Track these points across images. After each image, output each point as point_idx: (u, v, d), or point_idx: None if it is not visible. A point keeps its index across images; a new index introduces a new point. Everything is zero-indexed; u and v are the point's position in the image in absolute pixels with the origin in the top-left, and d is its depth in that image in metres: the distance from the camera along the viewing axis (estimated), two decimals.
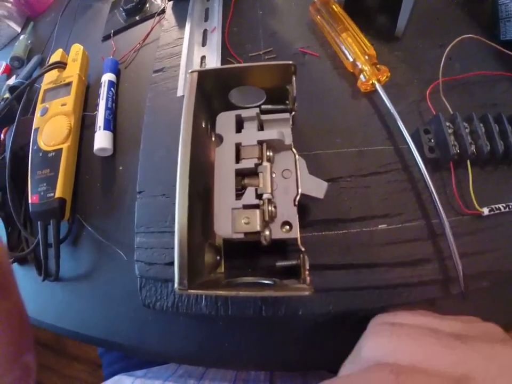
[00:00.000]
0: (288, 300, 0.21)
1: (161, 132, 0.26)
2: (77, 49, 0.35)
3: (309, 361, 0.22)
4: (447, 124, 0.23)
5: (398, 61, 0.26)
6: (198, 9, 0.32)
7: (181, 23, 0.31)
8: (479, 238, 0.21)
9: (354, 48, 0.24)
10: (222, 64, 0.26)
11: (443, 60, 0.23)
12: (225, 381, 0.26)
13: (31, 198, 0.29)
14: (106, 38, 0.38)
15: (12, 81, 0.43)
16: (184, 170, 0.16)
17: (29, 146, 0.31)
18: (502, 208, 0.22)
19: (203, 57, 0.28)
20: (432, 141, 0.23)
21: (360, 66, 0.23)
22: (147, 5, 0.38)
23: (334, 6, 0.26)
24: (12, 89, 0.37)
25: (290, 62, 0.18)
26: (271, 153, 0.17)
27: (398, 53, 0.27)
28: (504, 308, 0.21)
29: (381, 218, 0.22)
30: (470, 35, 0.25)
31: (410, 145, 0.22)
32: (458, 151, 0.22)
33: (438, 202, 0.21)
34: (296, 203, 0.17)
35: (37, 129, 0.31)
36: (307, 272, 0.16)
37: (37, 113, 0.32)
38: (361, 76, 0.23)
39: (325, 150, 0.23)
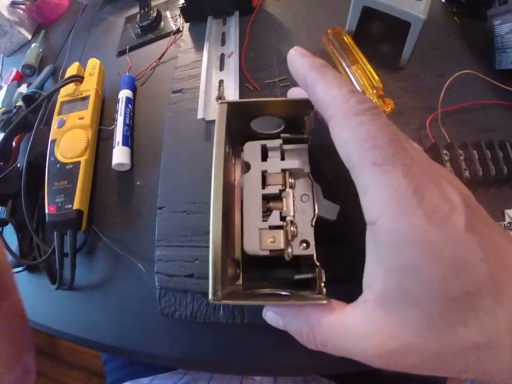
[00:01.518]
0: None
1: (181, 151, 0.28)
2: (93, 64, 0.36)
3: (312, 367, 0.24)
4: (444, 151, 0.25)
5: (401, 89, 0.29)
6: (215, 33, 0.34)
7: (198, 45, 0.33)
8: None
9: (363, 80, 0.26)
10: (239, 90, 0.28)
11: (442, 92, 0.26)
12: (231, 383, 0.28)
13: (48, 209, 0.30)
14: (122, 53, 0.39)
15: (23, 89, 0.44)
16: (217, 191, 0.17)
17: (44, 156, 0.32)
18: None
19: (221, 82, 0.30)
20: None
21: None
22: (162, 23, 0.40)
23: (345, 37, 0.29)
24: (25, 98, 0.38)
25: (305, 98, 0.20)
26: (292, 180, 0.19)
27: (400, 82, 0.29)
28: None
29: None
30: (467, 70, 0.27)
31: None
32: (455, 174, 0.25)
33: None
34: (313, 224, 0.19)
35: (54, 141, 0.33)
36: (323, 284, 0.18)
37: (54, 125, 0.33)
38: None
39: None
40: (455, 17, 0.33)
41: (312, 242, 0.19)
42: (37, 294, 0.31)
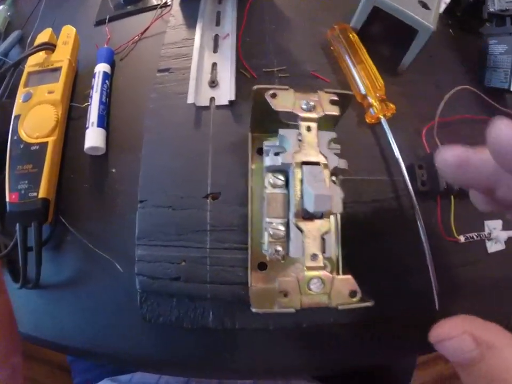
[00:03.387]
0: (294, 314, 0.22)
1: (166, 138, 0.25)
2: (68, 32, 0.32)
3: (303, 369, 0.24)
4: None
5: (398, 94, 0.29)
6: (209, 11, 0.31)
7: (189, 22, 0.30)
8: (456, 260, 0.25)
9: (367, 82, 0.25)
10: (236, 78, 0.26)
11: (442, 103, 0.26)
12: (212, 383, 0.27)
13: (10, 196, 0.26)
14: (100, 23, 0.35)
15: None
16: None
17: (7, 134, 0.28)
18: (474, 236, 0.26)
19: (214, 64, 0.27)
20: (424, 175, 0.25)
21: (370, 101, 0.25)
22: None
23: (351, 35, 0.27)
24: None
25: (351, 93, 0.19)
26: None
27: (398, 86, 0.29)
28: None
29: (376, 240, 0.24)
30: (466, 86, 0.28)
31: (405, 179, 0.25)
32: (446, 186, 0.25)
33: (423, 229, 0.24)
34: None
35: (17, 117, 0.28)
36: None
37: (19, 99, 0.29)
38: (371, 110, 0.25)
39: None
40: (450, 30, 0.34)
41: None
42: None
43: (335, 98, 0.18)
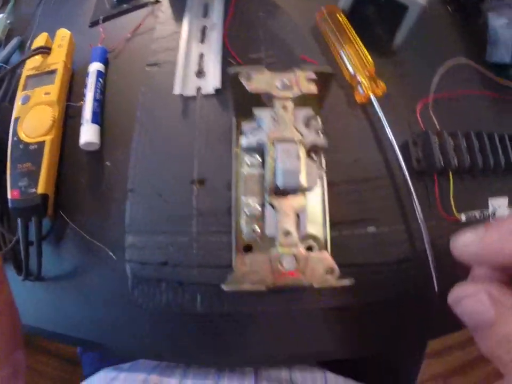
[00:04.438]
0: (284, 297, 0.22)
1: (155, 129, 0.26)
2: (63, 35, 0.33)
3: (295, 355, 0.24)
4: (435, 138, 0.24)
5: (390, 73, 0.28)
6: (197, 4, 0.31)
7: (178, 16, 0.31)
8: None
9: (355, 61, 0.25)
10: (222, 65, 0.26)
11: (435, 78, 0.25)
12: (210, 370, 0.27)
13: (11, 193, 0.27)
14: (94, 24, 0.36)
15: None
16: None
17: (7, 136, 0.29)
18: (477, 215, 0.25)
19: (201, 55, 0.27)
20: (420, 153, 0.24)
21: (359, 79, 0.24)
22: None
23: (339, 17, 0.27)
24: None
25: (330, 71, 0.19)
26: None
27: (391, 66, 0.28)
28: None
29: (370, 222, 0.23)
30: (460, 59, 0.26)
31: (398, 158, 0.24)
32: (443, 164, 0.24)
33: (419, 209, 0.23)
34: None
35: (17, 119, 0.29)
36: None
37: (18, 101, 0.30)
38: (360, 88, 0.24)
39: None
40: (448, 7, 0.32)
41: None
42: None
43: (313, 76, 0.18)
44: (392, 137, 0.24)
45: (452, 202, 0.24)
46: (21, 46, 0.40)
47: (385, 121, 0.24)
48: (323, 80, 0.19)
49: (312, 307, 0.22)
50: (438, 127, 0.26)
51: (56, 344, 0.73)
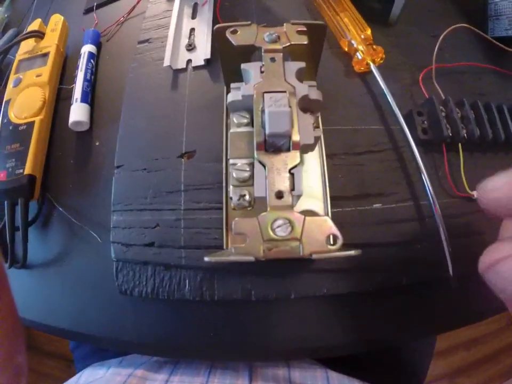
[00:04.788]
0: (280, 283, 0.20)
1: (143, 103, 0.25)
2: (56, 19, 0.33)
3: (294, 350, 0.21)
4: (441, 107, 0.22)
5: (391, 45, 0.26)
6: None
7: None
8: (470, 220, 0.21)
9: (351, 28, 0.23)
10: (212, 39, 0.25)
11: (437, 46, 0.23)
12: (202, 366, 0.25)
13: None
14: (89, 10, 0.36)
15: None
16: None
17: None
18: None
19: (192, 30, 0.26)
20: (425, 122, 0.22)
21: (356, 46, 0.23)
22: None
23: None
24: None
25: (322, 23, 0.17)
26: None
27: (391, 38, 0.27)
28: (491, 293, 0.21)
29: (375, 197, 0.21)
30: (462, 24, 0.25)
31: (403, 126, 0.22)
32: (451, 134, 0.22)
33: (429, 185, 0.21)
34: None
35: (8, 101, 0.29)
36: None
37: (10, 84, 0.30)
38: (357, 54, 0.23)
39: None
40: None
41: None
42: None
43: (303, 28, 0.17)
44: (395, 105, 0.22)
45: (464, 178, 0.22)
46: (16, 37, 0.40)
47: (386, 89, 0.22)
48: (315, 33, 0.17)
49: (313, 293, 0.20)
50: (442, 96, 0.24)
51: (57, 345, 0.72)
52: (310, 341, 0.21)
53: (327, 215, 0.20)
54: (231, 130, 0.16)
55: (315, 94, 0.16)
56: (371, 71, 0.23)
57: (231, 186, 0.16)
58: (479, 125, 0.23)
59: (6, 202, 0.26)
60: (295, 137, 0.14)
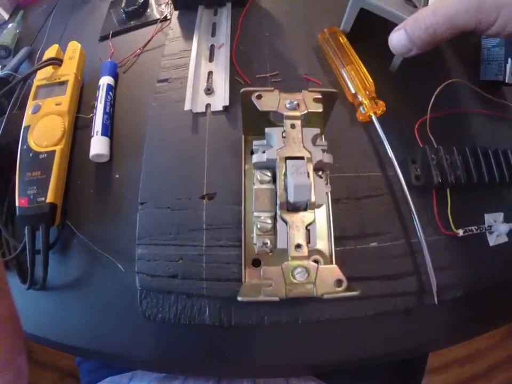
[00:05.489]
0: (290, 310, 0.22)
1: (165, 143, 0.27)
2: (74, 47, 0.34)
3: (299, 367, 0.24)
4: (432, 156, 0.26)
5: (390, 93, 0.29)
6: (205, 23, 0.32)
7: (187, 34, 0.32)
8: (455, 255, 0.25)
9: (356, 81, 0.26)
10: (230, 83, 0.27)
11: (432, 98, 0.26)
12: (209, 381, 0.27)
13: (19, 201, 0.27)
14: (104, 38, 0.37)
15: None
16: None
17: (16, 143, 0.30)
18: (474, 229, 0.25)
19: (210, 73, 0.29)
20: (418, 170, 0.25)
21: (360, 99, 0.26)
22: (148, 10, 0.38)
23: (340, 38, 0.28)
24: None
25: (335, 90, 0.20)
26: None
27: (390, 85, 0.30)
28: (474, 315, 0.25)
29: (372, 236, 0.24)
30: (455, 79, 0.28)
31: (398, 173, 0.25)
32: (440, 180, 0.25)
33: (418, 224, 0.24)
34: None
35: (27, 127, 0.30)
36: None
37: (28, 110, 0.31)
38: (361, 108, 0.26)
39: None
40: None
41: None
42: None
43: (318, 96, 0.19)
44: (392, 155, 0.25)
45: (450, 218, 0.25)
46: (30, 56, 0.41)
47: (385, 140, 0.25)
48: (328, 99, 0.20)
49: (318, 318, 0.22)
50: (435, 144, 0.27)
51: (53, 357, 0.72)
52: (314, 359, 0.23)
53: (332, 253, 0.22)
54: (255, 187, 0.18)
55: (327, 158, 0.18)
56: (372, 120, 0.26)
57: (255, 235, 0.18)
58: (466, 170, 0.26)
59: (26, 227, 0.27)
60: (312, 199, 0.17)
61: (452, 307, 0.24)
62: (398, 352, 0.24)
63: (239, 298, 0.17)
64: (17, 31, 0.44)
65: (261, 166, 0.19)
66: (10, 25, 0.44)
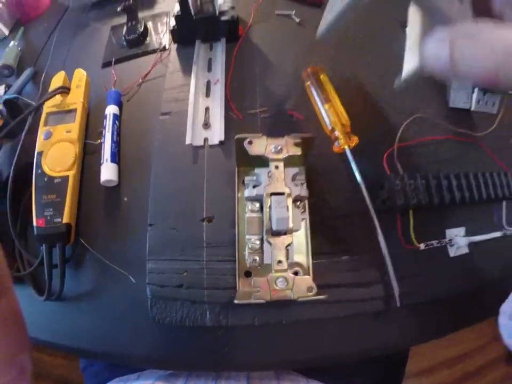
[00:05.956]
0: (275, 312, 0.27)
1: (169, 173, 0.31)
2: (80, 76, 0.37)
3: (284, 361, 0.29)
4: (397, 182, 0.30)
5: (363, 124, 0.33)
6: (202, 58, 0.36)
7: (185, 68, 0.36)
8: (416, 266, 0.29)
9: (334, 117, 0.30)
10: (225, 117, 0.31)
11: (399, 133, 0.31)
12: (209, 376, 0.31)
13: (37, 221, 0.31)
14: (107, 65, 0.40)
15: (1, 90, 0.43)
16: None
17: (30, 166, 0.33)
18: (435, 243, 0.30)
19: (207, 109, 0.32)
20: (385, 195, 0.30)
21: (336, 134, 0.30)
22: (148, 39, 0.41)
23: (322, 76, 0.32)
24: (7, 103, 0.38)
25: (311, 136, 0.24)
26: None
27: (365, 117, 0.34)
28: (433, 320, 0.29)
29: (344, 251, 0.29)
30: (420, 115, 0.32)
31: (366, 199, 0.29)
32: (403, 203, 0.30)
33: (382, 240, 0.28)
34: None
35: (40, 153, 0.33)
36: None
37: (40, 136, 0.34)
38: (336, 143, 0.30)
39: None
40: None
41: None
42: (21, 304, 0.32)
43: (298, 140, 0.24)
44: (362, 182, 0.29)
45: (412, 235, 0.30)
46: (33, 77, 0.43)
47: (356, 169, 0.29)
48: (306, 142, 0.24)
49: (298, 319, 0.27)
50: (401, 171, 0.31)
51: (46, 366, 0.74)
52: (297, 354, 0.28)
53: (309, 265, 0.27)
54: (247, 215, 0.23)
55: (304, 192, 0.23)
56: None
57: (247, 253, 0.23)
58: (428, 193, 0.29)
59: (44, 244, 0.31)
60: (290, 226, 0.21)
61: (416, 311, 0.28)
62: (369, 349, 0.29)
63: (236, 301, 0.22)
64: (19, 49, 0.46)
65: (251, 199, 0.23)
66: (11, 43, 0.46)
